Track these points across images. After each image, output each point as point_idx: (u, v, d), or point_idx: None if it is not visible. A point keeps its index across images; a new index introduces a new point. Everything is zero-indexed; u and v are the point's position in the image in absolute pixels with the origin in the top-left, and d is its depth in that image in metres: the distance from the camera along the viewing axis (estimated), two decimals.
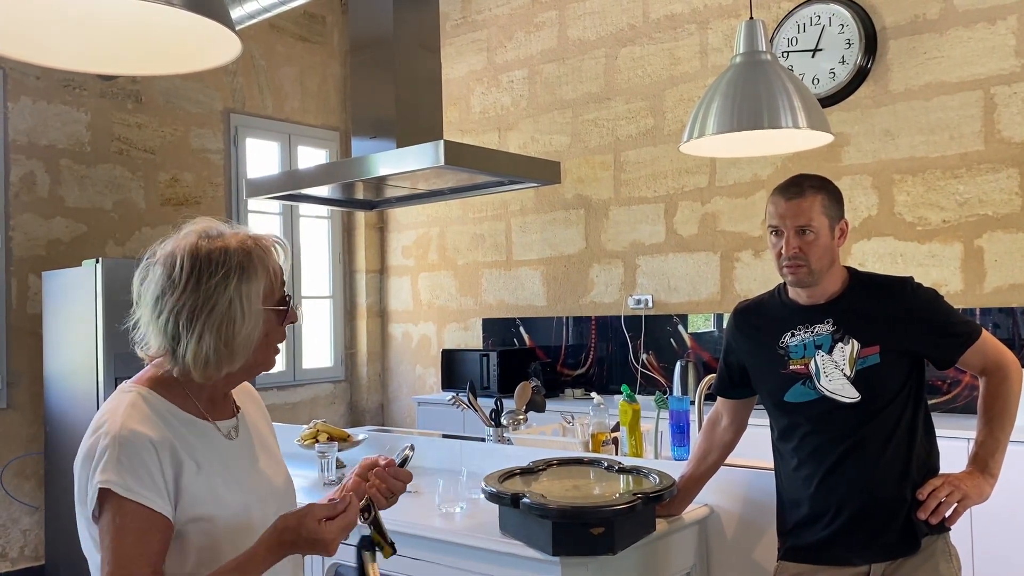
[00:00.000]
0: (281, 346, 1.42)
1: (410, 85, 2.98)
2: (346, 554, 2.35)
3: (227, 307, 1.28)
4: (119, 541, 1.21)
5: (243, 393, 1.51)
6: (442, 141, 2.58)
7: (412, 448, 1.51)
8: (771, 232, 1.94)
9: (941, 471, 1.93)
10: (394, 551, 1.45)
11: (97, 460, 1.23)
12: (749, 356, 2.07)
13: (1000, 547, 3.14)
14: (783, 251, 1.90)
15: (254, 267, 1.31)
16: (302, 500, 2.45)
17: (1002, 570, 3.14)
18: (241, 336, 1.29)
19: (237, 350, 1.30)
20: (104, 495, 1.22)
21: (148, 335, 1.32)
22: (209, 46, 1.41)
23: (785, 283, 2.02)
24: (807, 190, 1.90)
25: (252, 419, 1.47)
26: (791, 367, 1.94)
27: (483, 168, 2.77)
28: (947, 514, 1.83)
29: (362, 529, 1.45)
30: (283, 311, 1.36)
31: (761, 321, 2.05)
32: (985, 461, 1.85)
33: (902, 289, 1.92)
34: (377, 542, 1.44)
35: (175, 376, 1.32)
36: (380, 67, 2.98)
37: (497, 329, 5.45)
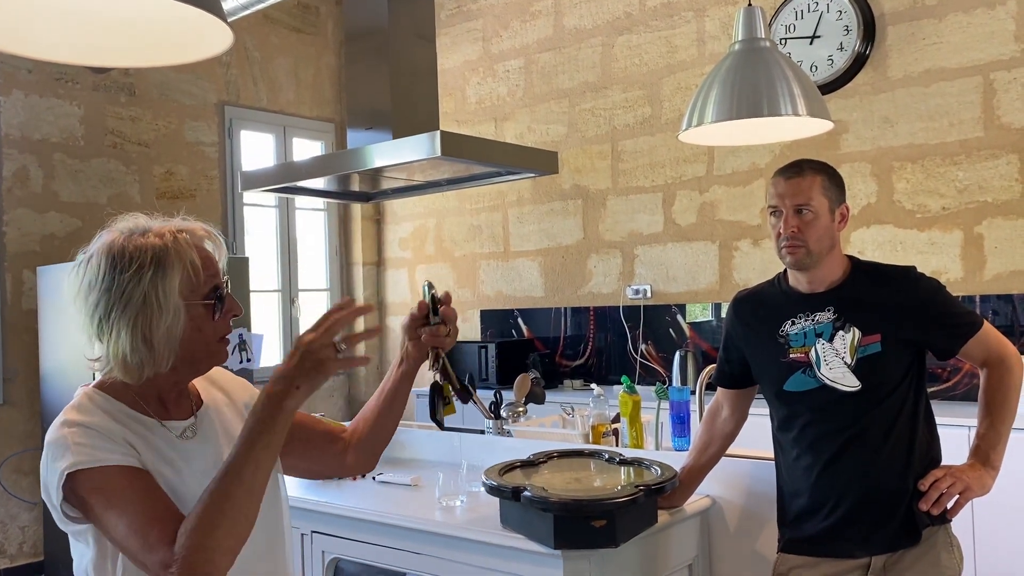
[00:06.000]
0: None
1: (406, 75, 2.95)
2: (347, 549, 2.34)
3: (141, 302, 1.24)
4: (122, 509, 1.16)
5: (224, 390, 1.46)
6: (438, 132, 2.56)
7: (429, 284, 1.48)
8: (771, 213, 1.94)
9: (942, 461, 1.92)
10: (471, 394, 1.46)
11: (53, 454, 1.22)
12: (749, 345, 2.05)
13: (1001, 538, 3.13)
14: (781, 231, 1.89)
15: (170, 260, 1.26)
16: (303, 494, 2.45)
17: (1003, 561, 3.14)
18: (160, 332, 1.25)
19: (158, 347, 1.25)
20: (74, 480, 1.19)
21: (87, 339, 1.30)
22: (201, 37, 1.39)
23: (785, 272, 2.01)
24: (806, 170, 1.91)
25: (223, 415, 1.41)
26: (791, 355, 1.93)
27: (480, 159, 2.75)
28: (949, 505, 1.83)
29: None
30: (211, 304, 1.30)
31: (761, 310, 2.03)
32: (987, 453, 1.84)
33: (904, 278, 1.91)
34: (447, 390, 1.46)
35: (120, 378, 1.29)
36: (375, 57, 2.96)
37: (495, 321, 5.43)
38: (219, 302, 1.31)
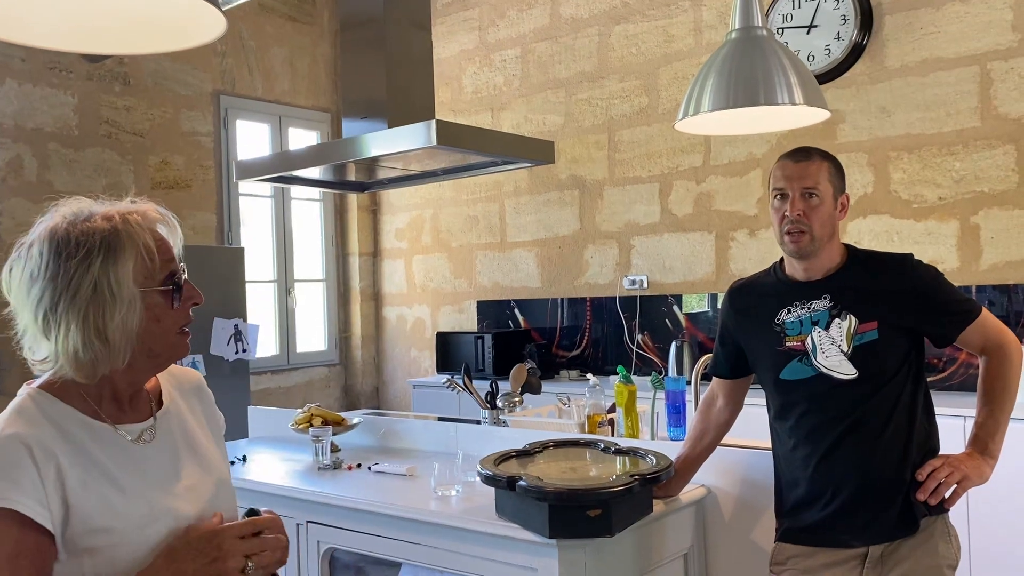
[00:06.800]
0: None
1: (401, 65, 2.94)
2: (342, 539, 2.34)
3: (91, 291, 1.13)
4: None
5: (183, 387, 1.36)
6: (434, 121, 2.55)
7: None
8: (775, 196, 1.92)
9: (940, 451, 1.92)
10: None
11: None
12: (745, 334, 2.05)
13: (997, 527, 3.14)
14: (787, 213, 1.88)
15: (121, 244, 1.15)
16: (298, 484, 2.45)
17: (999, 550, 3.15)
18: (114, 324, 1.14)
19: (113, 340, 1.14)
20: None
21: (32, 337, 1.18)
22: (194, 24, 1.38)
23: (781, 260, 2.01)
24: (815, 156, 1.92)
25: (183, 418, 1.31)
26: (787, 344, 1.93)
27: (476, 148, 2.74)
28: (946, 495, 1.82)
29: None
30: (168, 291, 1.19)
31: (757, 299, 2.03)
32: (985, 442, 1.84)
33: (901, 265, 1.91)
34: None
35: (70, 377, 1.18)
36: (371, 47, 2.94)
37: (492, 311, 5.43)
38: (177, 289, 1.21)
